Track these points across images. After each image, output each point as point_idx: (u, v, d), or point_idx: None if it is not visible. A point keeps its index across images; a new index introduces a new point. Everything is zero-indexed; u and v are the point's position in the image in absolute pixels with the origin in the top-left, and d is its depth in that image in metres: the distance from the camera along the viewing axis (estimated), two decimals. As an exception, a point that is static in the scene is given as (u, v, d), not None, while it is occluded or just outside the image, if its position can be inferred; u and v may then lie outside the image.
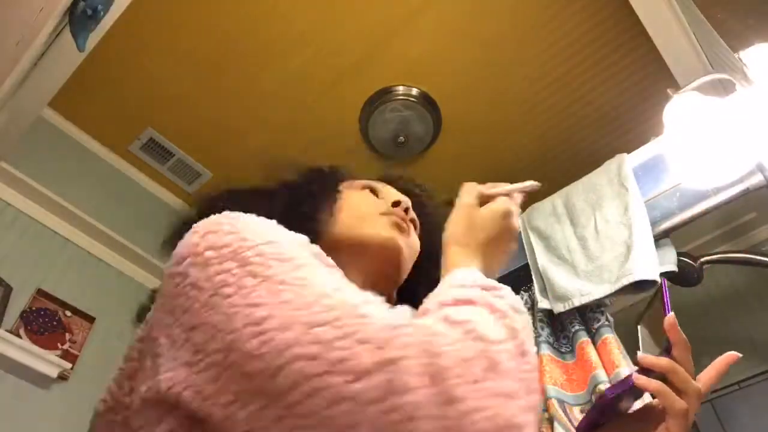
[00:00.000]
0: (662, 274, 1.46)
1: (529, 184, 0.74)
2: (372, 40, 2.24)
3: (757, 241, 2.12)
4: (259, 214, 0.65)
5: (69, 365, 2.02)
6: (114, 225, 2.43)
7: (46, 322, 2.09)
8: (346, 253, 0.74)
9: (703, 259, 1.61)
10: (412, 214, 0.85)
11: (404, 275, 0.82)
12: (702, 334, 2.08)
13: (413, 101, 2.39)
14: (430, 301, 0.53)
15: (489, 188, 0.73)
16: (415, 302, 0.58)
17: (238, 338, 0.47)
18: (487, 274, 0.60)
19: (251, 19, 2.18)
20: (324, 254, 0.60)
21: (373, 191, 0.86)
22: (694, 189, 1.52)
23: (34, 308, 2.09)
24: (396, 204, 0.83)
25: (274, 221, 0.61)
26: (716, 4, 1.73)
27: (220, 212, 0.63)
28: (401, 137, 2.49)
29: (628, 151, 1.71)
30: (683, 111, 1.52)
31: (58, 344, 2.09)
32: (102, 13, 1.38)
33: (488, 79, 2.33)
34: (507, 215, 0.68)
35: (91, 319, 2.23)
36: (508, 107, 2.41)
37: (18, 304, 2.05)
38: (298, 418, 0.42)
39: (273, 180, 0.88)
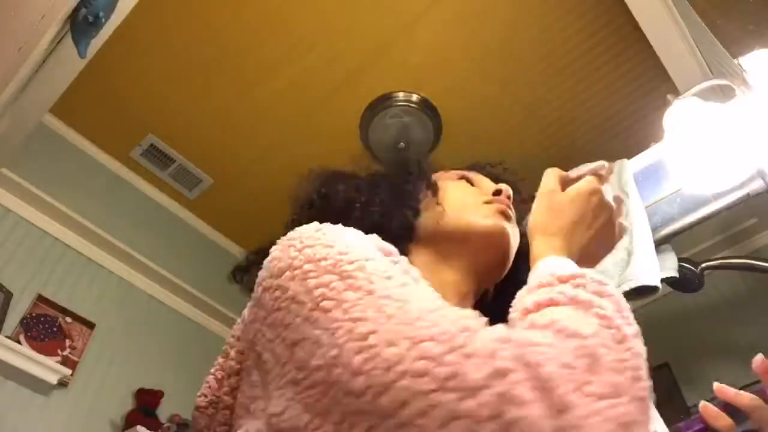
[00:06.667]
0: (663, 280, 1.46)
1: (599, 164, 0.72)
2: (372, 47, 2.24)
3: (757, 246, 2.12)
4: (360, 204, 0.70)
5: (69, 371, 2.02)
6: (115, 231, 2.43)
7: (46, 328, 2.09)
8: (451, 244, 0.75)
9: (704, 265, 1.62)
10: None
11: (509, 264, 0.79)
12: (703, 340, 2.09)
13: (414, 107, 2.40)
14: (515, 308, 0.52)
15: (572, 173, 0.71)
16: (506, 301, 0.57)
17: (340, 354, 0.45)
18: (580, 258, 0.59)
19: (252, 26, 2.19)
20: (411, 268, 0.58)
21: (469, 181, 0.85)
22: (694, 195, 1.52)
23: (34, 314, 2.08)
24: (497, 193, 0.81)
25: (367, 237, 0.60)
26: (716, 11, 1.73)
27: (321, 204, 0.74)
28: (402, 143, 2.49)
29: (629, 157, 1.71)
30: (683, 117, 1.52)
31: (58, 350, 2.08)
32: (103, 20, 1.39)
33: (488, 85, 2.33)
34: (593, 193, 0.66)
35: (91, 326, 2.22)
36: (509, 113, 2.42)
37: (18, 310, 2.05)
38: None
39: (360, 172, 0.87)
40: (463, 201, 0.80)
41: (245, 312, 0.63)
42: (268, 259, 0.59)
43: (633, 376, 0.43)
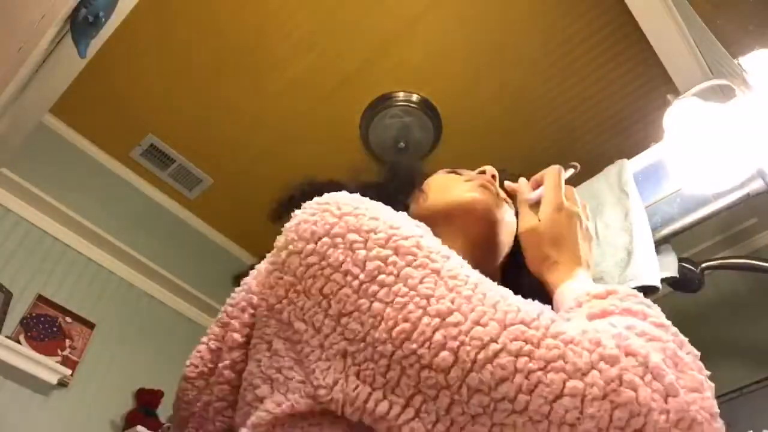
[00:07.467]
0: (663, 280, 1.46)
1: (569, 173, 0.74)
2: (372, 47, 2.24)
3: (758, 246, 2.11)
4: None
5: (69, 371, 2.02)
6: (115, 231, 2.43)
7: (46, 328, 2.09)
8: (438, 225, 0.72)
9: (704, 265, 1.61)
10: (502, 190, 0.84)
11: (502, 243, 0.77)
12: (703, 340, 2.08)
13: (413, 107, 2.40)
14: (568, 312, 0.53)
15: (527, 192, 0.73)
16: None
17: (414, 328, 0.45)
18: (589, 274, 0.62)
19: (252, 26, 2.19)
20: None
21: (456, 173, 0.85)
22: (694, 194, 1.52)
23: (34, 314, 2.08)
24: (481, 173, 0.82)
25: (402, 214, 0.59)
26: (716, 11, 1.73)
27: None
28: (402, 143, 2.49)
29: (629, 157, 1.71)
30: (683, 117, 1.52)
31: (58, 350, 2.08)
32: (103, 20, 1.38)
33: (488, 85, 2.33)
34: (557, 209, 0.69)
35: (91, 326, 2.22)
36: (508, 114, 2.41)
37: (18, 310, 2.05)
38: (509, 413, 0.42)
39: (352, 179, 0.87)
40: (445, 184, 0.81)
41: (250, 280, 0.61)
42: (295, 221, 0.56)
43: (703, 373, 0.47)
